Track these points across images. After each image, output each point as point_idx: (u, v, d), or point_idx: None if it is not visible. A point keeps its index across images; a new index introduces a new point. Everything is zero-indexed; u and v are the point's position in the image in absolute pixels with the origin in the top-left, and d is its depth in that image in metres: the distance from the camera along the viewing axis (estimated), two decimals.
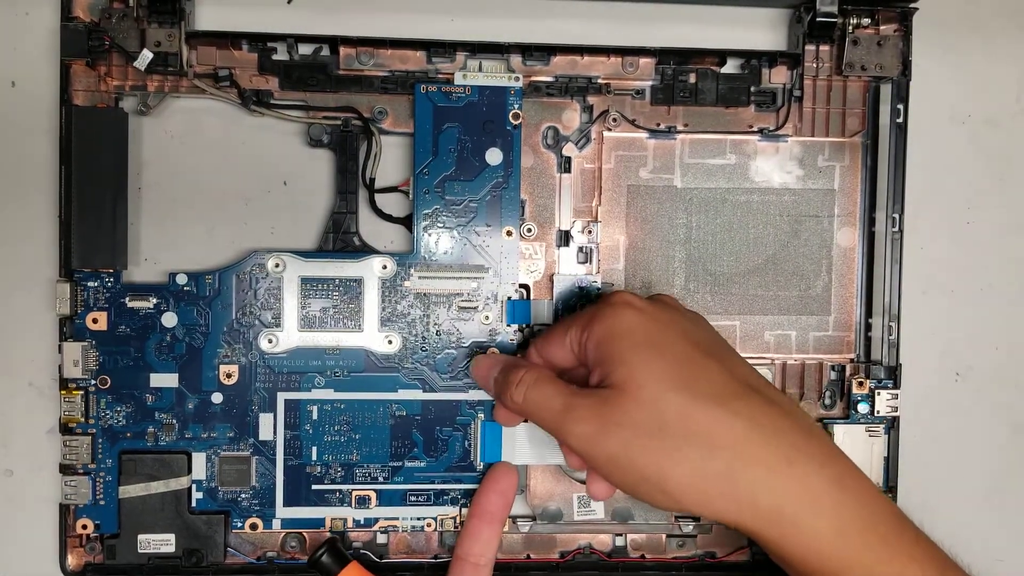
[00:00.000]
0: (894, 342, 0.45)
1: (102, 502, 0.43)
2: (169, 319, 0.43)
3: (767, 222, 0.46)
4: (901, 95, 0.45)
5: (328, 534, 0.44)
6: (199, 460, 0.44)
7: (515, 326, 0.44)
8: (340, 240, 0.44)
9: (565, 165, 0.45)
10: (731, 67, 0.45)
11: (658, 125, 0.45)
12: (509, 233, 0.44)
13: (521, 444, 0.44)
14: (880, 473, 0.45)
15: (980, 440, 0.49)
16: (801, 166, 0.46)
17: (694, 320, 0.40)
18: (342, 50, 0.44)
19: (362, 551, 0.45)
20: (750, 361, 0.45)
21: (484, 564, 0.42)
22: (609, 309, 0.38)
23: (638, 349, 0.36)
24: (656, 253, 0.45)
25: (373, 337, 0.44)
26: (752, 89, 0.45)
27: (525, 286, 0.45)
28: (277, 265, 0.43)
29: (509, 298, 0.44)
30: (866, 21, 0.45)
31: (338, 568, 0.42)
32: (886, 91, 0.45)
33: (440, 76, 0.44)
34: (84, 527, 0.43)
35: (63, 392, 0.43)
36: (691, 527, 0.46)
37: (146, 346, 0.43)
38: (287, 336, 0.44)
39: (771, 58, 0.45)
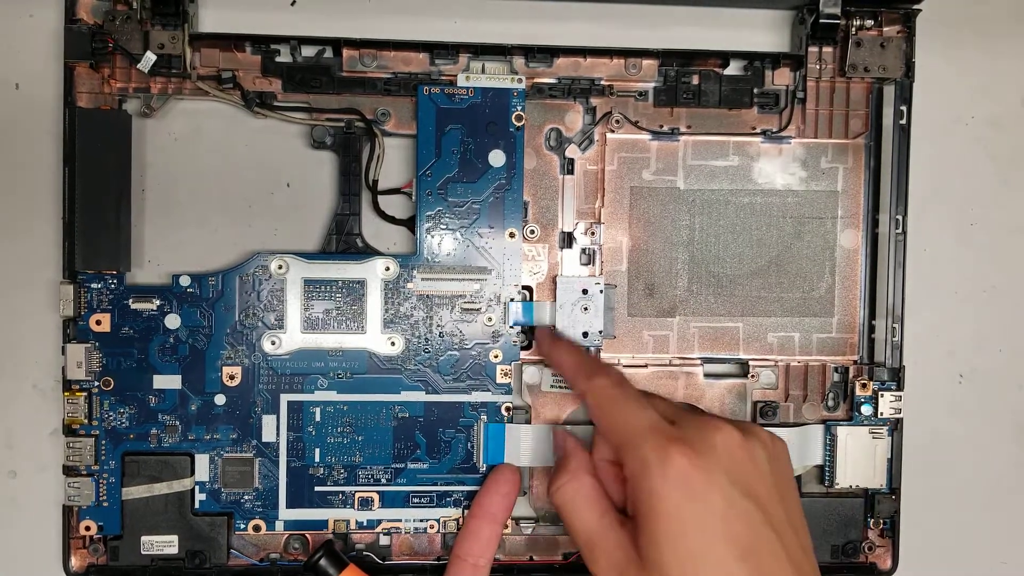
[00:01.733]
0: (897, 344, 0.45)
1: (105, 504, 0.43)
2: (172, 321, 0.43)
3: (770, 224, 0.46)
4: (904, 96, 0.45)
5: (331, 536, 0.44)
6: (202, 462, 0.44)
7: (518, 328, 0.44)
8: (343, 242, 0.44)
9: (568, 167, 0.45)
10: (734, 69, 0.45)
11: (661, 127, 0.45)
12: (512, 235, 0.44)
13: (524, 446, 0.44)
14: (883, 475, 0.45)
15: (984, 442, 0.49)
16: (804, 168, 0.45)
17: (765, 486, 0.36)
18: (345, 52, 0.44)
19: (365, 553, 0.45)
20: (753, 363, 0.45)
21: (483, 565, 0.42)
22: (658, 474, 0.35)
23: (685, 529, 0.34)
24: (659, 255, 0.45)
25: (376, 339, 0.44)
26: (755, 91, 0.45)
27: (528, 288, 0.45)
28: (280, 267, 0.44)
29: (512, 300, 0.44)
30: (869, 22, 0.45)
31: (336, 571, 0.42)
32: (889, 92, 0.45)
33: (443, 78, 0.44)
34: (87, 528, 0.43)
35: (66, 394, 0.43)
36: None
37: (149, 348, 0.43)
38: (290, 338, 0.44)
39: (774, 60, 0.45)
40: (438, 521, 0.44)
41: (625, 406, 0.38)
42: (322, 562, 0.42)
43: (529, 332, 0.45)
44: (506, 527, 0.44)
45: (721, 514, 0.34)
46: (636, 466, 0.36)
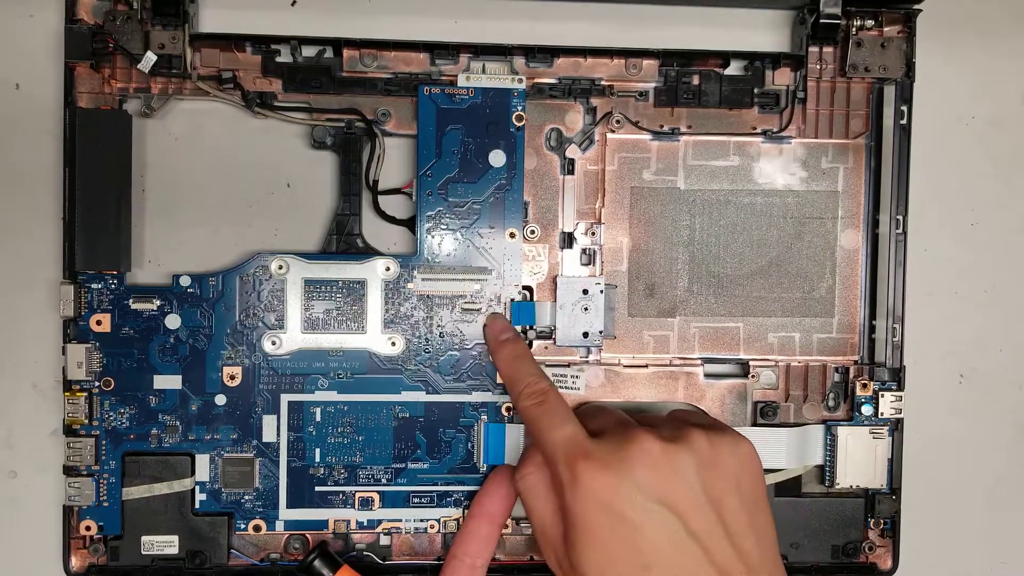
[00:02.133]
0: (898, 344, 0.45)
1: (106, 504, 0.43)
2: (172, 321, 0.43)
3: (771, 224, 0.46)
4: (905, 96, 0.45)
5: (331, 536, 0.44)
6: (202, 462, 0.44)
7: (518, 327, 0.44)
8: (343, 242, 0.44)
9: (568, 167, 0.45)
10: (734, 69, 0.45)
11: (661, 127, 0.45)
12: (512, 235, 0.44)
13: (524, 446, 0.44)
14: (884, 475, 0.45)
15: (984, 442, 0.49)
16: (805, 168, 0.45)
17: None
18: (345, 52, 0.44)
19: (365, 552, 0.45)
20: (753, 363, 0.45)
21: (480, 565, 0.42)
22: (567, 487, 0.36)
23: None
24: (659, 255, 0.45)
25: (376, 339, 0.44)
26: (755, 91, 0.45)
27: (528, 288, 0.45)
28: (280, 267, 0.44)
29: (513, 300, 0.44)
30: (870, 23, 0.45)
31: (330, 572, 0.42)
32: (890, 92, 0.45)
33: (443, 78, 0.44)
34: (88, 529, 0.43)
35: (67, 394, 0.43)
36: None
37: (150, 348, 0.43)
38: (290, 338, 0.44)
39: (774, 60, 0.45)
40: (438, 521, 0.45)
41: (546, 423, 0.38)
42: (316, 563, 0.42)
43: (529, 331, 0.45)
44: (506, 527, 0.44)
45: (627, 526, 0.35)
46: (556, 482, 0.37)
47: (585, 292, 0.44)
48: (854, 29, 0.45)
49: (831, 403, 0.46)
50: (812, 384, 0.46)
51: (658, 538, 0.35)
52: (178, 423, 0.43)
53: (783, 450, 0.45)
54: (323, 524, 0.44)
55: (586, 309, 0.44)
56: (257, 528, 0.44)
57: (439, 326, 0.44)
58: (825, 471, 0.45)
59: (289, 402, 0.44)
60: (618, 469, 0.36)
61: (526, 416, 0.40)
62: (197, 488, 0.44)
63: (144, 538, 0.43)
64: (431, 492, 0.45)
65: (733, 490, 0.37)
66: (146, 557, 0.43)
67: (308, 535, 0.45)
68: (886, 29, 0.45)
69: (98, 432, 0.43)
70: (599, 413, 0.41)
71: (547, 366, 0.44)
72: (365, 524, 0.44)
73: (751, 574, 0.36)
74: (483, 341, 0.44)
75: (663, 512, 0.35)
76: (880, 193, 0.45)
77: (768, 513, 0.38)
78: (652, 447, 0.36)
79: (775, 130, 0.45)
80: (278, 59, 0.44)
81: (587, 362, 0.45)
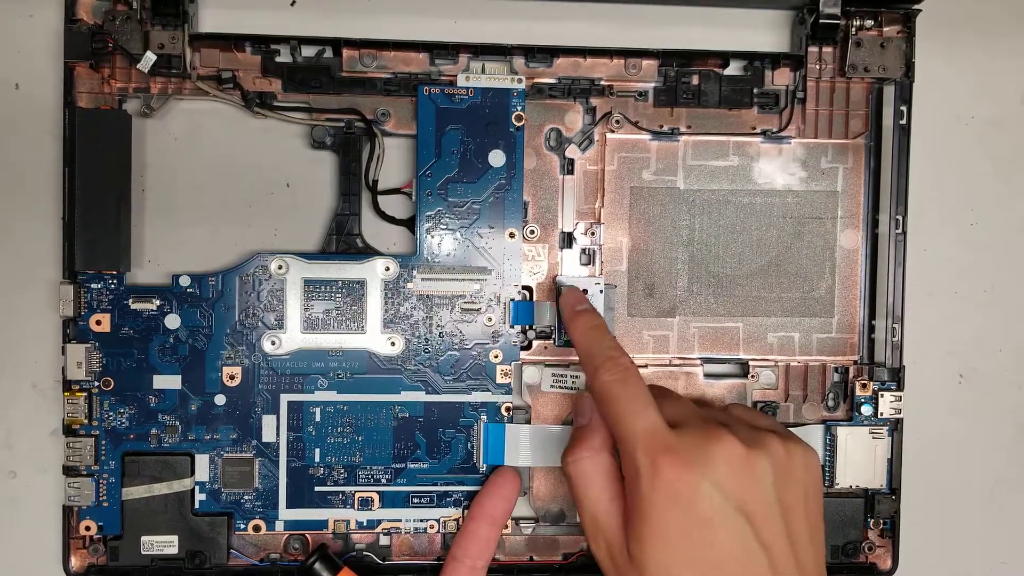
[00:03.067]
0: (897, 344, 0.45)
1: (105, 504, 0.43)
2: (172, 321, 0.43)
3: (770, 224, 0.46)
4: (904, 97, 0.45)
5: (331, 536, 0.44)
6: (202, 462, 0.44)
7: (518, 327, 0.44)
8: (343, 242, 0.44)
9: (568, 167, 0.45)
10: (734, 69, 0.45)
11: (661, 127, 0.45)
12: (512, 235, 0.44)
13: (524, 446, 0.44)
14: (883, 475, 0.45)
15: (983, 442, 0.49)
16: (804, 168, 0.45)
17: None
18: (345, 52, 0.44)
19: (365, 553, 0.45)
20: (753, 363, 0.45)
21: (480, 567, 0.42)
22: (646, 479, 0.35)
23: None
24: (659, 255, 0.45)
25: (376, 339, 0.44)
26: (755, 91, 0.45)
27: (528, 288, 0.45)
28: (280, 267, 0.44)
29: (512, 300, 0.44)
30: (869, 23, 0.45)
31: (330, 575, 0.42)
32: (889, 93, 0.45)
33: (443, 78, 0.44)
34: (87, 529, 0.43)
35: (66, 394, 0.43)
36: None
37: (149, 348, 0.43)
38: (290, 338, 0.44)
39: (774, 60, 0.45)
40: (438, 521, 0.44)
41: (626, 406, 0.37)
42: (316, 566, 0.42)
43: (528, 331, 0.45)
44: (506, 527, 0.44)
45: (703, 525, 0.35)
46: (629, 469, 0.36)
47: (585, 292, 0.44)
48: (854, 29, 0.45)
49: (831, 403, 0.46)
50: (812, 384, 0.46)
51: (730, 542, 0.35)
52: (178, 423, 0.43)
53: None
54: (323, 524, 0.44)
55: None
56: (257, 528, 0.44)
57: (439, 326, 0.44)
58: (825, 471, 0.45)
59: (289, 402, 0.44)
60: (703, 468, 0.35)
61: (605, 393, 0.38)
62: (197, 488, 0.44)
63: (144, 538, 0.43)
64: (431, 492, 0.45)
65: (802, 501, 0.37)
66: (146, 557, 0.43)
67: (308, 535, 0.45)
68: (886, 29, 0.45)
69: (98, 432, 0.43)
70: (669, 399, 0.40)
71: (547, 366, 0.45)
72: (365, 524, 0.44)
73: None
74: (484, 340, 0.44)
75: (738, 517, 0.35)
76: (880, 193, 0.45)
77: (823, 526, 0.38)
78: (736, 450, 0.36)
79: (775, 130, 0.45)
80: (278, 59, 0.44)
81: None
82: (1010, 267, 0.48)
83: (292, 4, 0.45)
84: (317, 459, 0.44)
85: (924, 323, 0.48)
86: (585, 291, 0.43)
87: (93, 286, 0.43)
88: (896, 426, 0.45)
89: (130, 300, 0.43)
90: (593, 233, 0.45)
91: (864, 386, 0.45)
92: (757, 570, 0.35)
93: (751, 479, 0.36)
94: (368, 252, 0.45)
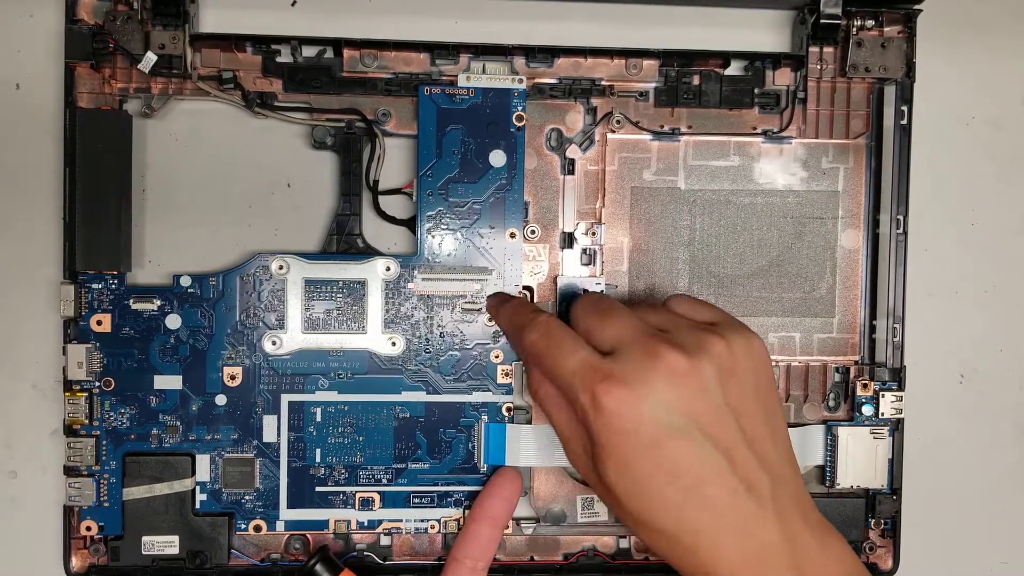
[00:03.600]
0: (898, 344, 0.45)
1: (106, 504, 0.43)
2: (173, 321, 0.43)
3: (771, 224, 0.46)
4: (905, 97, 0.45)
5: (332, 536, 0.44)
6: (203, 462, 0.44)
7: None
8: (344, 242, 0.44)
9: (569, 167, 0.45)
10: (735, 69, 0.45)
11: (662, 127, 0.45)
12: (512, 235, 0.44)
13: (525, 446, 0.44)
14: (884, 475, 0.45)
15: (984, 442, 0.49)
16: (805, 168, 0.45)
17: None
18: (346, 52, 0.44)
19: (365, 553, 0.45)
20: None
21: (481, 568, 0.42)
22: (589, 412, 0.36)
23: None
24: (660, 255, 0.45)
25: (377, 339, 0.44)
26: (756, 91, 0.45)
27: (528, 288, 0.45)
28: (281, 267, 0.44)
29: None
30: (870, 23, 0.45)
31: None
32: (890, 93, 0.45)
33: (444, 78, 0.44)
34: (88, 529, 0.43)
35: (67, 394, 0.43)
36: None
37: (150, 348, 0.43)
38: (291, 338, 0.44)
39: (775, 60, 0.45)
40: (439, 521, 0.44)
41: (555, 354, 0.37)
42: (317, 568, 0.42)
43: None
44: (507, 527, 0.44)
45: (652, 443, 0.35)
46: (576, 408, 0.36)
47: (585, 292, 0.44)
48: (854, 29, 0.45)
49: (831, 403, 0.46)
50: (812, 384, 0.46)
51: (685, 454, 0.35)
52: (178, 423, 0.43)
53: None
54: (323, 524, 0.44)
55: None
56: (257, 528, 0.44)
57: (439, 326, 0.44)
58: (826, 471, 0.45)
59: (289, 402, 0.44)
60: (642, 390, 0.35)
61: (534, 351, 0.38)
62: (197, 488, 0.44)
63: (144, 538, 0.43)
64: (431, 492, 0.45)
65: (751, 395, 0.37)
66: (146, 557, 0.43)
67: (308, 535, 0.45)
68: (886, 29, 0.45)
69: (98, 432, 0.43)
70: (607, 318, 0.38)
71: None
72: (365, 524, 0.44)
73: (773, 480, 0.36)
74: (484, 340, 0.44)
75: (688, 427, 0.35)
76: (880, 193, 0.45)
77: (780, 410, 0.38)
78: (675, 364, 0.35)
79: (775, 130, 0.45)
80: (278, 59, 0.44)
81: None
82: (1010, 267, 0.49)
83: (293, 4, 0.45)
84: (318, 459, 0.44)
85: (925, 323, 0.48)
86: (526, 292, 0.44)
87: (94, 286, 0.43)
88: (897, 426, 0.45)
89: (131, 300, 0.43)
90: (594, 233, 0.45)
91: (865, 386, 0.45)
92: (718, 474, 0.35)
93: (695, 389, 0.35)
94: (369, 252, 0.45)
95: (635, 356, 0.36)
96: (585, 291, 0.44)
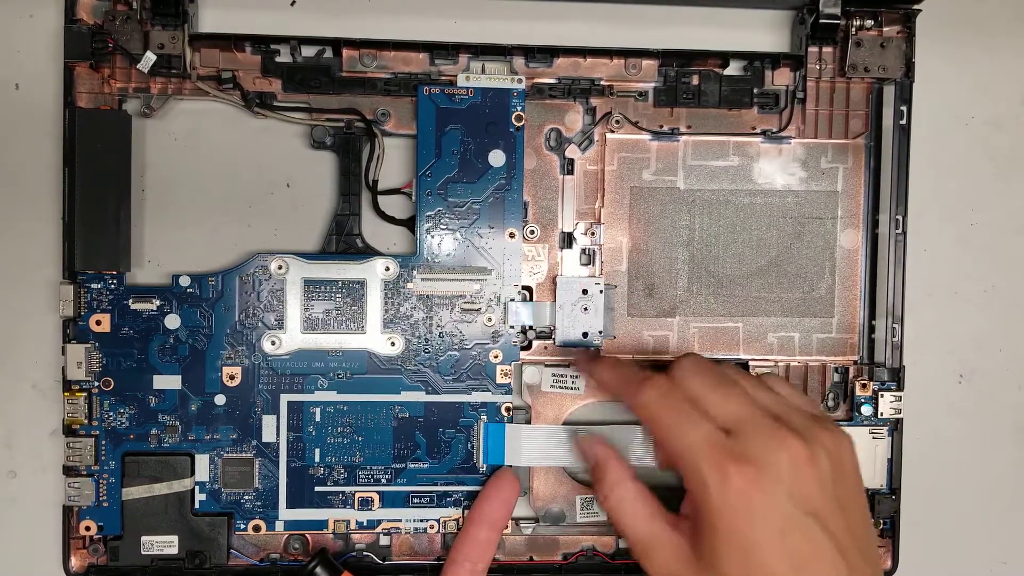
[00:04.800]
0: (898, 344, 0.45)
1: (105, 504, 0.43)
2: (172, 321, 0.43)
3: (770, 224, 0.46)
4: (904, 97, 0.45)
5: (331, 536, 0.44)
6: (202, 462, 0.44)
7: (517, 328, 0.44)
8: (343, 242, 0.44)
9: (568, 167, 0.45)
10: (734, 69, 0.45)
11: (661, 127, 0.45)
12: (512, 235, 0.44)
13: (524, 446, 0.44)
14: (883, 475, 0.45)
15: (983, 442, 0.49)
16: (804, 168, 0.45)
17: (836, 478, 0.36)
18: (345, 52, 0.44)
19: (365, 553, 0.45)
20: (753, 364, 0.45)
21: (480, 569, 0.42)
22: (715, 491, 0.35)
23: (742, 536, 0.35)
24: (659, 255, 0.45)
25: (376, 339, 0.44)
26: (755, 91, 0.45)
27: (528, 288, 0.45)
28: (280, 267, 0.44)
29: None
30: (869, 23, 0.45)
31: None
32: (889, 93, 0.45)
33: (443, 78, 0.44)
34: (87, 529, 0.43)
35: (66, 394, 0.43)
36: None
37: (149, 348, 0.43)
38: (290, 338, 0.44)
39: (774, 60, 0.45)
40: (438, 521, 0.44)
41: (677, 421, 0.37)
42: (317, 571, 0.42)
43: (529, 331, 0.45)
44: (506, 528, 0.44)
45: (779, 531, 0.34)
46: (695, 483, 0.36)
47: (585, 292, 0.44)
48: (854, 29, 0.45)
49: (831, 403, 0.46)
50: (812, 384, 0.46)
51: (805, 546, 0.34)
52: (178, 423, 0.43)
53: None
54: (323, 524, 0.44)
55: (586, 309, 0.44)
56: (257, 528, 0.44)
57: (439, 326, 0.44)
58: None
59: (289, 402, 0.44)
60: (771, 474, 0.35)
61: (650, 410, 0.38)
62: (197, 488, 0.44)
63: (144, 538, 0.43)
64: (431, 492, 0.45)
65: (854, 491, 0.37)
66: (146, 557, 0.43)
67: (308, 535, 0.45)
68: (886, 29, 0.45)
69: (98, 432, 0.43)
70: (724, 388, 0.37)
71: (547, 366, 0.45)
72: (365, 524, 0.44)
73: (874, 574, 0.36)
74: (484, 340, 0.44)
75: (809, 521, 0.35)
76: (880, 193, 0.45)
77: (868, 507, 0.38)
78: (800, 452, 0.35)
79: (775, 130, 0.45)
80: (278, 59, 0.44)
81: None
82: (1010, 267, 0.48)
83: (292, 4, 0.45)
84: (317, 459, 0.44)
85: (924, 323, 0.48)
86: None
87: (93, 286, 0.43)
88: (896, 426, 0.45)
89: (130, 300, 0.43)
90: (593, 233, 0.45)
91: (864, 386, 0.45)
92: (834, 570, 0.34)
93: (815, 481, 0.35)
94: (368, 252, 0.45)
95: (760, 438, 0.36)
96: (689, 353, 0.42)
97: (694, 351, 0.42)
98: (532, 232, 0.45)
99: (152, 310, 0.43)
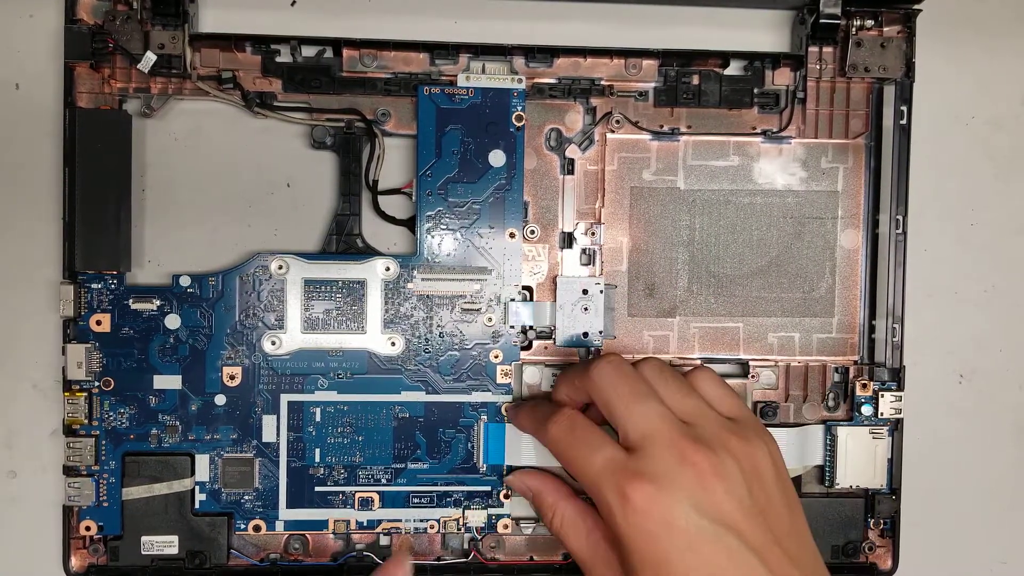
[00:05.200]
0: (898, 344, 0.45)
1: (105, 504, 0.43)
2: (172, 321, 0.43)
3: (770, 224, 0.46)
4: (905, 96, 0.45)
5: (331, 536, 0.44)
6: (202, 462, 0.44)
7: (517, 328, 0.44)
8: (343, 242, 0.44)
9: (568, 167, 0.45)
10: (734, 69, 0.45)
11: (661, 127, 0.45)
12: (512, 235, 0.44)
13: (524, 446, 0.44)
14: (884, 475, 0.45)
15: (983, 442, 0.49)
16: (804, 168, 0.45)
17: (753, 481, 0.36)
18: (345, 52, 0.44)
19: (365, 553, 0.45)
20: (753, 363, 0.45)
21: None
22: (618, 514, 0.35)
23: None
24: (659, 255, 0.45)
25: (376, 339, 0.44)
26: (755, 91, 0.45)
27: (528, 288, 0.45)
28: (280, 267, 0.44)
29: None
30: (869, 23, 0.45)
31: None
32: (890, 92, 0.45)
33: (443, 78, 0.44)
34: (87, 529, 0.43)
35: (67, 394, 0.43)
36: None
37: (149, 348, 0.43)
38: (290, 338, 0.44)
39: (774, 60, 0.45)
40: (438, 521, 0.44)
41: (579, 449, 0.37)
42: None
43: (529, 331, 0.45)
44: (506, 527, 0.44)
45: (687, 546, 0.34)
46: (603, 509, 0.36)
47: (585, 292, 0.44)
48: (854, 29, 0.45)
49: (831, 403, 0.46)
50: (812, 384, 0.46)
51: (720, 557, 0.34)
52: (178, 423, 0.43)
53: (783, 450, 0.45)
54: (323, 524, 0.44)
55: (586, 309, 0.44)
56: (257, 528, 0.44)
57: (439, 326, 0.44)
58: (825, 471, 0.45)
59: (289, 402, 0.44)
60: (671, 490, 0.34)
61: (557, 444, 0.38)
62: (197, 488, 0.44)
63: (144, 538, 0.43)
64: (431, 492, 0.45)
65: (775, 493, 0.37)
66: (146, 557, 0.43)
67: (308, 535, 0.45)
68: (886, 29, 0.45)
69: (98, 432, 0.43)
70: (635, 401, 0.37)
71: (547, 366, 0.45)
72: (365, 524, 0.44)
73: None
74: (484, 340, 0.44)
75: (720, 531, 0.34)
76: (880, 193, 0.45)
77: (799, 507, 0.37)
78: (703, 465, 0.35)
79: (775, 130, 0.45)
80: (278, 59, 0.44)
81: None
82: (1010, 267, 0.48)
83: (292, 4, 0.45)
84: (317, 459, 0.44)
85: (924, 323, 0.48)
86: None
87: (93, 286, 0.43)
88: (896, 426, 0.45)
89: (130, 300, 0.43)
90: (593, 233, 0.45)
91: (864, 386, 0.45)
92: (754, 574, 0.34)
93: (723, 490, 0.35)
94: (368, 252, 0.45)
95: (662, 456, 0.35)
96: (597, 351, 0.44)
97: (614, 353, 0.42)
98: (532, 232, 0.45)
99: (152, 310, 0.43)
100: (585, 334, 0.44)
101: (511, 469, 0.44)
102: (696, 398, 0.38)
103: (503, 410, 0.44)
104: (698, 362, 0.45)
